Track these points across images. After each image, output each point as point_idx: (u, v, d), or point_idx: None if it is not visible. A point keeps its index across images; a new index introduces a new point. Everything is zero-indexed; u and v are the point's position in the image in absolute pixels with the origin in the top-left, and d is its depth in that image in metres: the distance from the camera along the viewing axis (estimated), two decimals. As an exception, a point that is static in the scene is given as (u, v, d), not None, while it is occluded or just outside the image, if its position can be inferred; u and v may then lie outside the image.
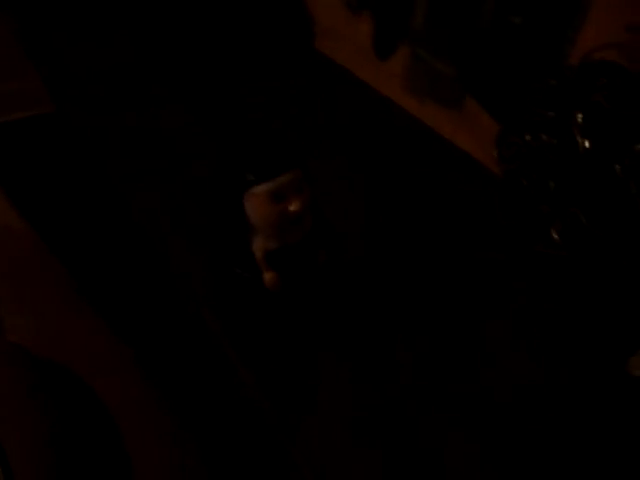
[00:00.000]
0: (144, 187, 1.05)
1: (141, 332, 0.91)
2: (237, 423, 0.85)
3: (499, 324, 0.92)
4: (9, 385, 0.73)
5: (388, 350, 0.86)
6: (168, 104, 1.22)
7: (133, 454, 0.74)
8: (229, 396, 0.86)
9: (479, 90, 1.12)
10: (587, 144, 0.92)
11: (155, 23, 1.44)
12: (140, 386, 0.81)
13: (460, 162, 1.17)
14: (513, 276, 1.00)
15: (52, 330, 0.83)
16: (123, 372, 0.83)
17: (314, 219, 0.83)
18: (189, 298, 0.90)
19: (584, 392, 0.85)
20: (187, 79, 1.30)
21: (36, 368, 0.76)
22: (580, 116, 0.93)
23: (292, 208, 0.76)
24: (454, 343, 0.89)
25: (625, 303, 0.95)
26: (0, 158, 1.13)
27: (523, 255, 1.02)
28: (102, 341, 0.85)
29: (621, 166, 0.90)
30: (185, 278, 0.91)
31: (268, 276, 0.81)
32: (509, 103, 1.04)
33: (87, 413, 0.75)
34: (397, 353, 0.86)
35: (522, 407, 0.82)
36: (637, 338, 0.90)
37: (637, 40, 0.91)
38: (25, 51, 1.32)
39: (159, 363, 0.87)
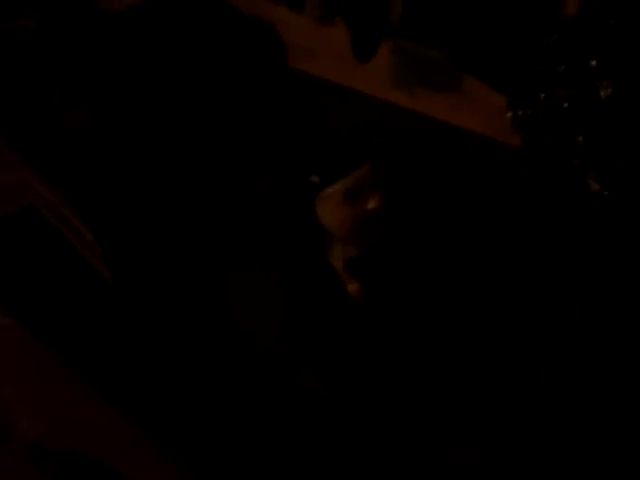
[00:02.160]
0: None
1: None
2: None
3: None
4: None
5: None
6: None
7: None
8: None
9: (476, 66, 1.12)
10: (607, 87, 0.92)
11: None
12: (160, 461, 0.81)
13: (472, 143, 1.16)
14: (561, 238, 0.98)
15: (65, 420, 0.83)
16: (142, 451, 0.82)
17: (391, 215, 0.78)
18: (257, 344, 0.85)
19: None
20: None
21: (58, 462, 0.76)
22: (594, 62, 0.92)
23: (371, 206, 0.72)
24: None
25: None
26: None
27: (565, 215, 1.00)
28: (114, 422, 0.85)
29: (648, 99, 0.89)
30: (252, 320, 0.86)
31: (352, 286, 0.75)
32: (513, 69, 1.03)
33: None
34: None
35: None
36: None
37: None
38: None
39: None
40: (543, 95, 0.98)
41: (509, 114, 1.02)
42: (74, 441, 0.80)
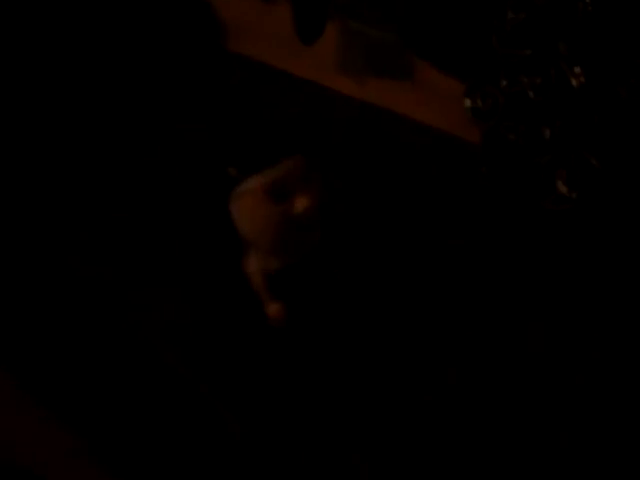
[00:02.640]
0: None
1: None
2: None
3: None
4: None
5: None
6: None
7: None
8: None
9: (431, 48, 0.99)
10: (579, 74, 0.80)
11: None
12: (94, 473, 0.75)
13: (425, 137, 1.03)
14: (524, 244, 0.87)
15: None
16: (74, 462, 0.77)
17: (325, 223, 0.63)
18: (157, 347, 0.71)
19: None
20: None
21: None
22: (563, 46, 0.81)
23: (300, 207, 0.57)
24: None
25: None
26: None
27: (528, 220, 0.88)
28: (49, 431, 0.79)
29: (626, 88, 0.78)
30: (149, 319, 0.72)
31: (272, 308, 0.61)
32: (472, 52, 0.91)
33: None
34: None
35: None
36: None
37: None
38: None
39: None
40: (505, 82, 0.87)
41: (467, 103, 0.90)
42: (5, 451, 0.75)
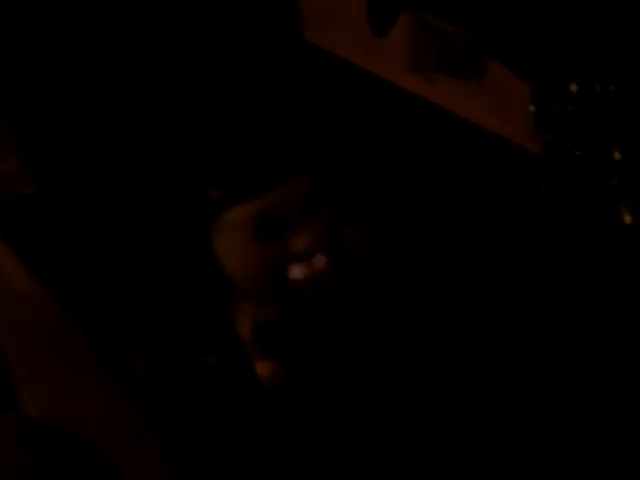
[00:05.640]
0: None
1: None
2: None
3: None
4: (18, 460, 0.69)
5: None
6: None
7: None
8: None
9: (504, 46, 0.88)
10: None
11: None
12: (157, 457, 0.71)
13: (488, 145, 0.92)
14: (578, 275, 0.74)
15: (67, 400, 0.78)
16: (142, 443, 0.74)
17: (336, 264, 0.49)
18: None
19: None
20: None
21: (47, 440, 0.72)
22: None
23: (297, 247, 0.45)
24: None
25: None
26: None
27: (586, 250, 0.76)
28: (120, 411, 0.77)
29: None
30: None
31: (263, 367, 0.50)
32: (544, 52, 0.79)
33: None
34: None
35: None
36: None
37: None
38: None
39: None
40: (576, 88, 0.74)
41: (531, 109, 0.79)
42: (74, 424, 0.75)
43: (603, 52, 0.71)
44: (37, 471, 0.69)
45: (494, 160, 0.89)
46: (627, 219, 0.72)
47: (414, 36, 1.02)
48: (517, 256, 0.78)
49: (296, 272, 0.46)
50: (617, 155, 0.72)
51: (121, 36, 1.06)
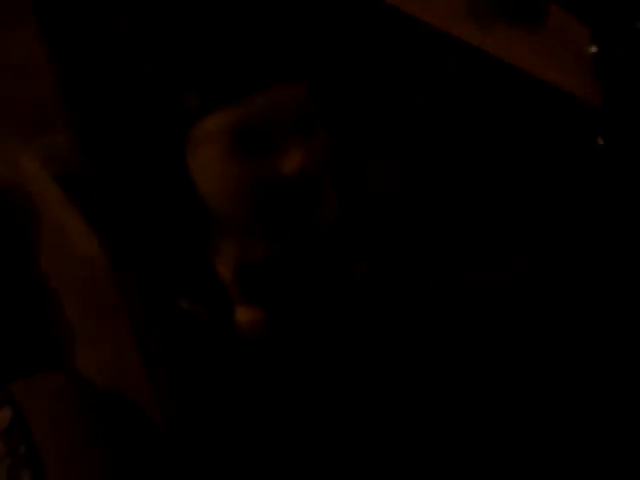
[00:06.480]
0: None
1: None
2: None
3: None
4: (72, 418, 0.70)
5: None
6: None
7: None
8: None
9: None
10: None
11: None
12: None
13: (545, 97, 0.86)
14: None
15: (119, 364, 0.78)
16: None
17: (340, 198, 0.41)
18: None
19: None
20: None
21: (99, 401, 0.73)
22: None
23: (289, 168, 0.36)
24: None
25: None
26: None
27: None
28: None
29: None
30: None
31: (244, 313, 0.41)
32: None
33: (148, 444, 0.69)
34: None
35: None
36: None
37: None
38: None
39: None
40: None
41: (592, 49, 0.72)
42: (121, 385, 0.74)
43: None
44: (85, 425, 0.68)
45: (552, 112, 0.84)
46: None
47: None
48: (573, 215, 0.73)
49: (291, 163, 0.36)
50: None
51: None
